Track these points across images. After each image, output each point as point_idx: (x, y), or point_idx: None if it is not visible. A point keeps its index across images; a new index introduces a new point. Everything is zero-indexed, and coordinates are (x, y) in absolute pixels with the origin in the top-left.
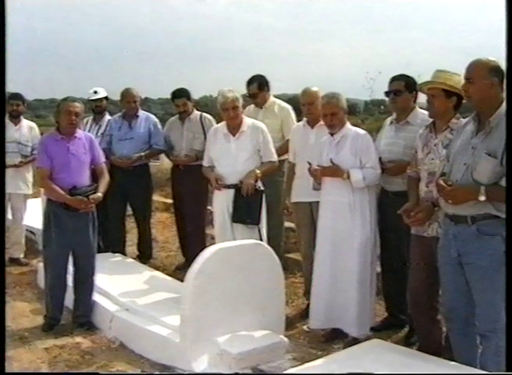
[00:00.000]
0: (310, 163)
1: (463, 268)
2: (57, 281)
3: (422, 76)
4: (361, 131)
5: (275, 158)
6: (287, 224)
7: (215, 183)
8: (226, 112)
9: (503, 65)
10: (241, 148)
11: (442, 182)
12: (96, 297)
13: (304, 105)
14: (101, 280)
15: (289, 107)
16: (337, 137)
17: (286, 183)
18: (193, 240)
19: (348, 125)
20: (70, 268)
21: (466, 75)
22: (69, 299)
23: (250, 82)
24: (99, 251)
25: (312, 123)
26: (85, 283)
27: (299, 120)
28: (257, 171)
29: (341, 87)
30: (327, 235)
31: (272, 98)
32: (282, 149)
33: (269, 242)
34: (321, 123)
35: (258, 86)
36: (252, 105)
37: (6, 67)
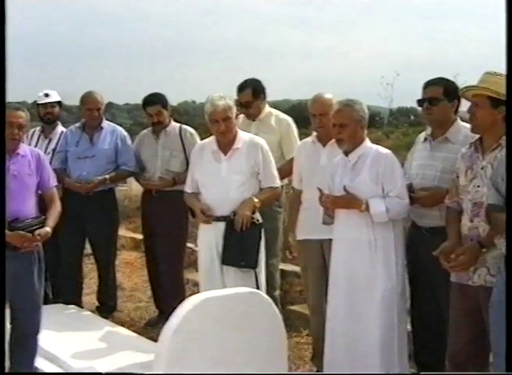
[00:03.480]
0: (321, 190)
1: None
2: None
3: (458, 76)
4: (384, 150)
5: (277, 183)
6: (290, 267)
7: (201, 215)
8: (216, 125)
9: None
10: (234, 170)
11: None
12: (40, 362)
13: (314, 116)
14: (47, 340)
15: (289, 119)
16: (353, 157)
17: (290, 215)
18: (169, 287)
19: (367, 142)
20: (7, 325)
21: None
22: (4, 366)
23: (242, 88)
24: (46, 302)
25: (324, 140)
26: (25, 345)
27: (301, 135)
28: (255, 199)
29: (359, 92)
30: (341, 282)
31: (267, 108)
32: (283, 171)
33: (268, 291)
34: None
35: (253, 93)
36: (242, 116)
37: (6, 68)
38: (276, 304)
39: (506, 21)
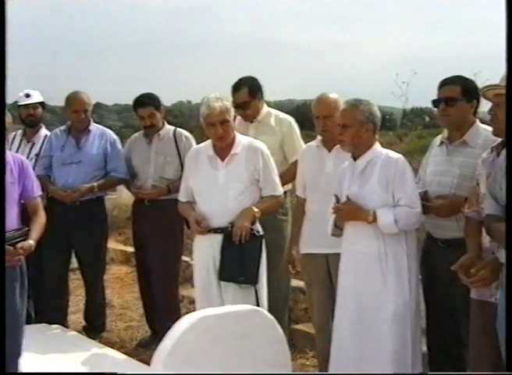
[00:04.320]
0: (337, 197)
1: None
2: None
3: (478, 74)
4: (395, 155)
5: (279, 191)
6: (294, 283)
7: (195, 226)
8: (213, 129)
9: None
10: (233, 178)
11: None
12: None
13: (317, 119)
14: (29, 363)
15: (290, 118)
16: (361, 163)
17: (293, 226)
18: (163, 305)
19: (377, 147)
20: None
21: None
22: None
23: (237, 87)
24: (29, 322)
25: (330, 144)
26: (6, 369)
27: (307, 138)
28: (255, 209)
29: (370, 90)
30: (349, 299)
31: (266, 108)
32: (286, 176)
33: (270, 309)
34: None
35: (249, 92)
36: (238, 118)
37: (6, 66)
38: (281, 322)
39: (506, 21)
